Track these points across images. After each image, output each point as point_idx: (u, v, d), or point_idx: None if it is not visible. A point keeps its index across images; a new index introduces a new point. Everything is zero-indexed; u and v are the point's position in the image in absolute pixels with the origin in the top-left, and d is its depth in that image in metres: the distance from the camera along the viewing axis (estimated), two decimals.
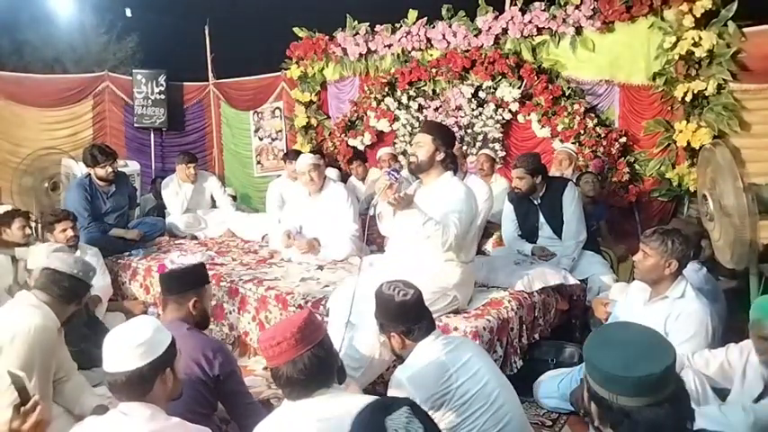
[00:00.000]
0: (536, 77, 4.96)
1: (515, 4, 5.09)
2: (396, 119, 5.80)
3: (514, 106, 5.09)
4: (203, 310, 2.28)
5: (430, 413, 1.76)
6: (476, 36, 5.30)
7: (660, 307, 2.49)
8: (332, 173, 5.44)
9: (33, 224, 4.94)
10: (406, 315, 2.00)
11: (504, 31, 5.17)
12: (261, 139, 7.22)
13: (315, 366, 1.55)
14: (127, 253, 4.42)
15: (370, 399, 1.62)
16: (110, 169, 4.39)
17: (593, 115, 4.81)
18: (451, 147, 2.91)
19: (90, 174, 4.45)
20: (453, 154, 2.94)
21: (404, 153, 5.70)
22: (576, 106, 4.80)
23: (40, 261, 2.86)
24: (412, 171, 2.92)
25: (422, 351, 1.99)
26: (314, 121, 6.62)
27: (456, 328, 2.71)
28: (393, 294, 2.01)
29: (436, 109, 5.55)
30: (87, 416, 2.13)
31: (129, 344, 1.54)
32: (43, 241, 4.05)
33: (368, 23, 5.97)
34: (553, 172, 4.51)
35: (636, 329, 1.32)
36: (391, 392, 1.95)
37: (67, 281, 2.27)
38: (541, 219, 3.84)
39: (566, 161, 4.60)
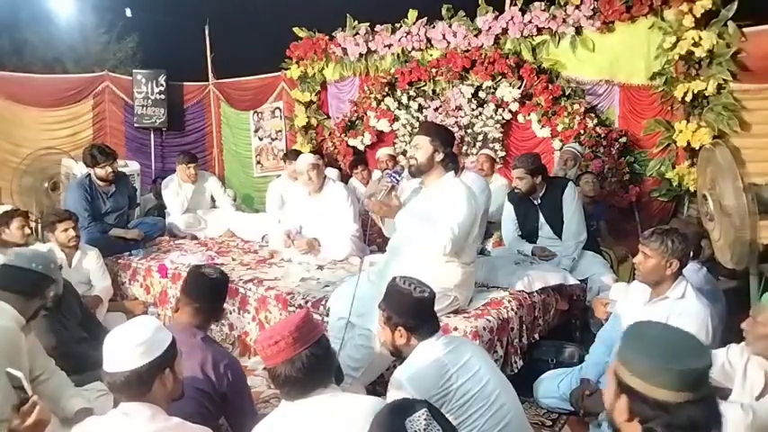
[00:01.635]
0: (536, 77, 4.96)
1: (515, 4, 5.09)
2: (396, 119, 5.80)
3: (514, 106, 5.09)
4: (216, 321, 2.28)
5: None
6: (476, 36, 5.30)
7: (661, 307, 2.48)
8: (332, 173, 5.44)
9: (33, 224, 4.95)
10: (419, 312, 1.99)
11: (504, 31, 5.17)
12: (261, 139, 7.23)
13: (313, 365, 1.55)
14: (127, 253, 4.42)
15: (368, 399, 1.62)
16: (109, 169, 4.39)
17: (593, 115, 4.81)
18: (450, 146, 2.88)
19: (90, 174, 4.45)
20: (453, 153, 2.92)
21: (404, 153, 5.69)
22: (576, 106, 4.80)
23: None
24: (412, 173, 2.88)
25: (422, 351, 1.99)
26: (314, 121, 6.62)
27: (456, 328, 2.71)
28: (410, 290, 2.00)
29: (436, 109, 5.55)
30: (71, 418, 2.10)
31: (128, 343, 1.53)
32: (44, 241, 4.06)
33: (368, 23, 5.97)
34: (557, 171, 4.51)
35: (673, 329, 1.30)
36: (391, 393, 1.95)
37: (26, 275, 2.19)
38: (541, 219, 3.84)
39: (571, 161, 4.58)
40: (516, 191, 3.80)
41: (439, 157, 2.81)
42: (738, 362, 2.16)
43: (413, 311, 1.98)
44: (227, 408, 2.07)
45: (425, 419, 1.17)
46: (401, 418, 1.18)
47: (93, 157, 4.35)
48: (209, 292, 2.21)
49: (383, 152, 5.61)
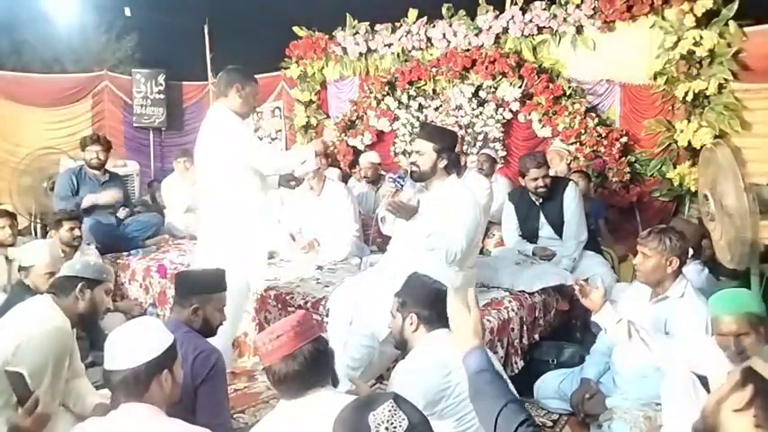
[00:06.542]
0: (537, 77, 4.95)
1: (516, 4, 5.08)
2: (396, 118, 5.79)
3: (515, 106, 5.07)
4: (206, 319, 2.15)
5: (428, 408, 1.77)
6: (476, 35, 5.29)
7: (661, 307, 2.49)
8: (333, 173, 5.43)
9: (32, 223, 4.94)
10: (434, 302, 2.03)
11: (505, 30, 5.16)
12: (261, 139, 7.19)
13: (315, 359, 1.57)
14: (126, 253, 4.41)
15: None
16: (94, 154, 4.47)
17: (593, 115, 4.80)
18: (454, 149, 2.82)
19: (83, 164, 4.57)
20: (457, 155, 2.87)
21: (404, 153, 5.69)
22: (576, 106, 4.79)
23: (32, 258, 2.85)
24: (414, 179, 2.82)
25: (426, 345, 2.00)
26: (314, 121, 6.61)
27: None
28: (430, 281, 2.10)
29: (436, 108, 5.55)
30: (87, 414, 2.12)
31: (126, 343, 1.53)
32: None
33: (368, 23, 5.96)
34: None
35: None
36: (391, 387, 1.95)
37: (56, 280, 2.26)
38: (542, 219, 3.83)
39: (556, 159, 4.63)
40: (541, 189, 3.73)
41: (443, 163, 2.75)
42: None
43: (428, 300, 2.03)
44: (196, 396, 1.97)
45: (390, 410, 1.15)
46: (364, 413, 1.16)
47: (83, 140, 4.59)
48: (180, 285, 2.23)
49: (365, 159, 5.42)
